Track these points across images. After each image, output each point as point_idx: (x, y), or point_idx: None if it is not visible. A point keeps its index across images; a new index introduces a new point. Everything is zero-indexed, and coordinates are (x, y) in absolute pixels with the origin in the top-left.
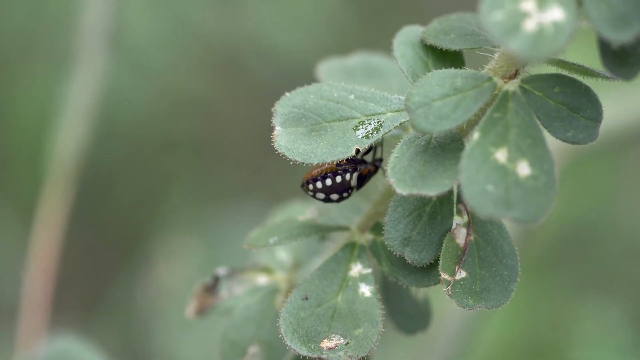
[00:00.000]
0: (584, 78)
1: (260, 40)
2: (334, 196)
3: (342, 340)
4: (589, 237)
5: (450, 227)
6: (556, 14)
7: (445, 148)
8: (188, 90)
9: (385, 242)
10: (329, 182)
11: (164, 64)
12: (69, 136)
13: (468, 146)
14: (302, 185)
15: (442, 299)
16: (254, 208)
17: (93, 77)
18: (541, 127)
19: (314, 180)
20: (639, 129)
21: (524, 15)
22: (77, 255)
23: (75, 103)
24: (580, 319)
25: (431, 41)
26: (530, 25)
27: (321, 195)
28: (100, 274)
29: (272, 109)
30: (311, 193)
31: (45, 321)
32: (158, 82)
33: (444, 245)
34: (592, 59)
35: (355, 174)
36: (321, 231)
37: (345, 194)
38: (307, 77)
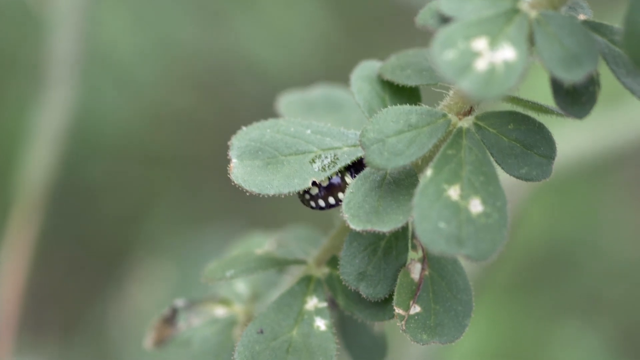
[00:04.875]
0: (538, 115)
1: (246, 56)
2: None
3: None
4: (570, 259)
5: (405, 262)
6: (508, 53)
7: (400, 184)
8: (173, 105)
9: (341, 277)
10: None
11: (149, 80)
12: (39, 157)
13: (421, 183)
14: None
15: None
16: (230, 232)
17: (65, 97)
18: (495, 164)
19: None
20: (616, 152)
21: (476, 54)
22: (59, 272)
23: (47, 123)
24: (560, 343)
25: (388, 77)
26: (481, 64)
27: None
28: (81, 292)
29: (229, 142)
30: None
31: (12, 342)
32: (142, 97)
33: (398, 280)
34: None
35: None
36: (278, 265)
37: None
38: None
